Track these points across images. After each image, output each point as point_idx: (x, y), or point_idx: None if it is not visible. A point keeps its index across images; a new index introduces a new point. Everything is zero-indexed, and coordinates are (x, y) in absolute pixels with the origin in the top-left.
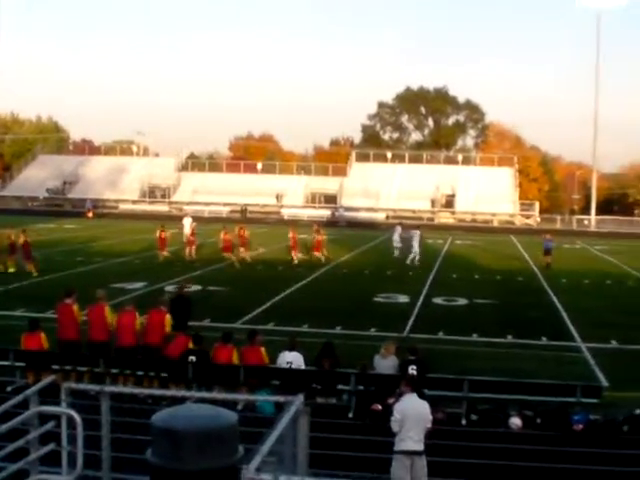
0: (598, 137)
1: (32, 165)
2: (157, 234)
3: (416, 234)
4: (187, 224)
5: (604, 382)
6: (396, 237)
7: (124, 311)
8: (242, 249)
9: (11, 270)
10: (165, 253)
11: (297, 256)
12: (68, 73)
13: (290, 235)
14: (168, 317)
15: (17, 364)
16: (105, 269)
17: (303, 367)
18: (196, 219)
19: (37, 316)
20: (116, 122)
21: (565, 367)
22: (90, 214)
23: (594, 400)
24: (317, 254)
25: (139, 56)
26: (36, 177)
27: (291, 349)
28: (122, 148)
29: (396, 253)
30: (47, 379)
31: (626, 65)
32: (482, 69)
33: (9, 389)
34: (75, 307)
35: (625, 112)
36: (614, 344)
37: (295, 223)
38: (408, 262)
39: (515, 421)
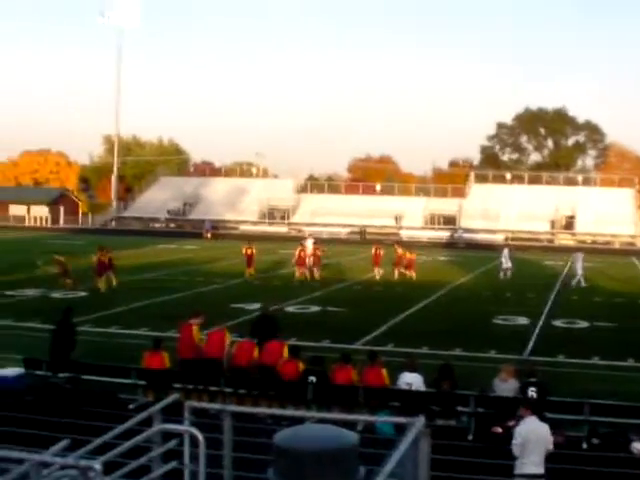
0: None
1: (153, 187)
2: (243, 251)
3: (579, 256)
4: (309, 245)
5: None
6: (503, 259)
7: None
8: (315, 268)
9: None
10: (251, 271)
11: (379, 272)
12: (189, 96)
13: (373, 252)
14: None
15: (139, 382)
16: (225, 290)
17: (423, 389)
18: (316, 240)
19: (159, 335)
20: (236, 144)
21: None
22: (209, 235)
23: None
24: (409, 272)
25: (259, 78)
26: (157, 198)
27: (411, 370)
28: (242, 170)
29: (501, 275)
30: (170, 397)
31: None
32: (602, 89)
33: (131, 407)
34: (195, 328)
35: None
36: None
37: (379, 241)
38: (573, 285)
39: (637, 446)
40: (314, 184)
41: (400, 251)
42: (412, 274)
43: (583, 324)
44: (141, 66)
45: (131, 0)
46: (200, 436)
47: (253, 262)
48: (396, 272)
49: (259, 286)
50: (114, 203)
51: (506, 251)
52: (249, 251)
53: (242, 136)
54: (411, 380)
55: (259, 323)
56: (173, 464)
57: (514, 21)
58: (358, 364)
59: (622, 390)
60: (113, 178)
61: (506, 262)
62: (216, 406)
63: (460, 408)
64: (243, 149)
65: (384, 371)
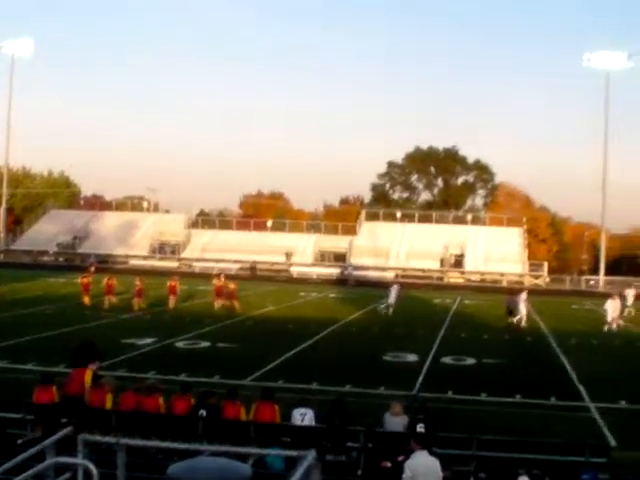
0: (607, 198)
1: (43, 219)
2: (168, 284)
3: (522, 296)
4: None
5: (613, 441)
6: (391, 294)
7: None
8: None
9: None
10: (141, 304)
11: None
12: (79, 129)
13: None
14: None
15: (28, 417)
16: (116, 324)
17: (314, 424)
18: (205, 276)
19: (49, 369)
20: (127, 178)
21: (574, 426)
22: (92, 268)
23: (602, 460)
24: (229, 302)
25: (150, 113)
26: (47, 231)
27: (303, 406)
28: (133, 204)
29: (383, 310)
30: (64, 430)
31: (635, 126)
32: (491, 130)
33: (20, 441)
34: (89, 373)
35: (636, 172)
36: (623, 404)
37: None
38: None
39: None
40: (205, 219)
41: (219, 282)
42: (235, 304)
43: (471, 361)
44: (33, 97)
45: (25, 29)
46: (94, 469)
47: (143, 295)
48: (216, 303)
49: (149, 320)
50: (2, 235)
51: (395, 287)
52: (173, 283)
53: (134, 170)
54: (303, 415)
55: (77, 351)
56: None
57: (406, 64)
58: (250, 400)
59: (510, 426)
60: (1, 210)
61: (391, 298)
62: (110, 440)
63: (350, 443)
64: (135, 183)
65: (276, 407)
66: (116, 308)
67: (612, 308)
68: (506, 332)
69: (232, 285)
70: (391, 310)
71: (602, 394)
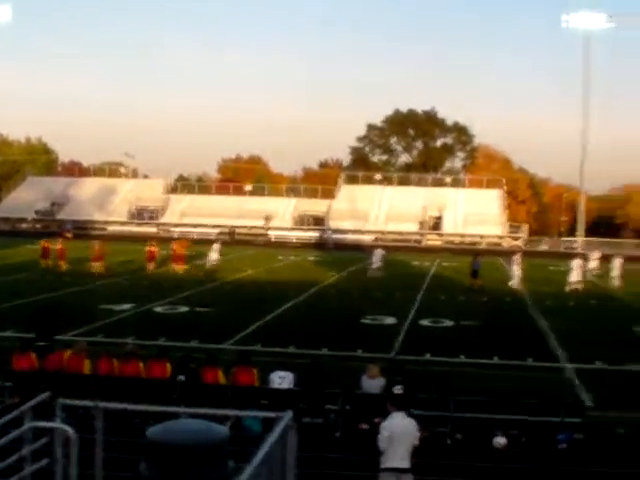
0: (587, 159)
1: (21, 187)
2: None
3: (515, 258)
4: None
5: (588, 402)
6: (375, 258)
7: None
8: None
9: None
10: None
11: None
12: (57, 94)
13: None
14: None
15: (6, 384)
16: (93, 290)
17: (292, 387)
18: (184, 241)
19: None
20: (105, 144)
21: (550, 387)
22: (69, 235)
23: (578, 419)
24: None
25: (128, 77)
26: (25, 199)
27: (281, 369)
28: (111, 170)
29: (371, 273)
30: (42, 395)
31: (615, 86)
32: (470, 92)
33: None
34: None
35: (614, 134)
36: (598, 364)
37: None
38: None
39: (500, 440)
40: (184, 184)
41: (178, 246)
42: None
43: (449, 323)
44: (10, 64)
45: None
46: (72, 433)
47: (102, 259)
48: (176, 268)
49: (127, 286)
50: None
51: (379, 251)
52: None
53: (112, 136)
54: (282, 378)
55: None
56: (44, 462)
57: (385, 26)
58: (229, 364)
59: (487, 387)
60: None
61: (377, 262)
62: (88, 403)
63: (328, 406)
64: (113, 149)
65: (255, 371)
66: (91, 274)
67: (577, 269)
68: (469, 293)
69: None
70: (380, 273)
71: (578, 355)
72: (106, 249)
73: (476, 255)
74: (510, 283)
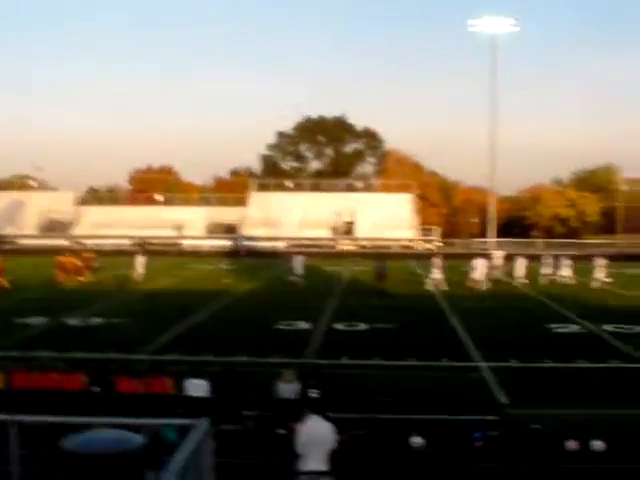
0: (496, 161)
1: None
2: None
3: (435, 261)
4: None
5: (504, 399)
6: (294, 265)
7: None
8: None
9: None
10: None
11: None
12: None
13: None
14: None
15: None
16: (7, 304)
17: (208, 395)
18: (96, 253)
19: None
20: (13, 157)
21: (466, 386)
22: None
23: (494, 417)
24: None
25: (35, 89)
26: None
27: (196, 377)
28: (20, 183)
29: (293, 279)
30: None
31: (522, 89)
32: (380, 98)
33: None
34: None
35: (522, 136)
36: (513, 362)
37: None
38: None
39: (417, 440)
40: (94, 196)
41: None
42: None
43: (364, 326)
44: None
45: None
46: None
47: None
48: (62, 278)
49: (41, 299)
50: None
51: (299, 258)
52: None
53: (20, 149)
54: (196, 387)
55: None
56: None
57: (291, 32)
58: (143, 373)
59: (404, 389)
60: None
61: (297, 269)
62: (3, 416)
63: (244, 412)
64: (21, 162)
65: (169, 380)
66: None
67: (480, 267)
68: (383, 297)
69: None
70: (301, 280)
71: (493, 354)
72: (3, 263)
73: (379, 259)
74: (427, 284)
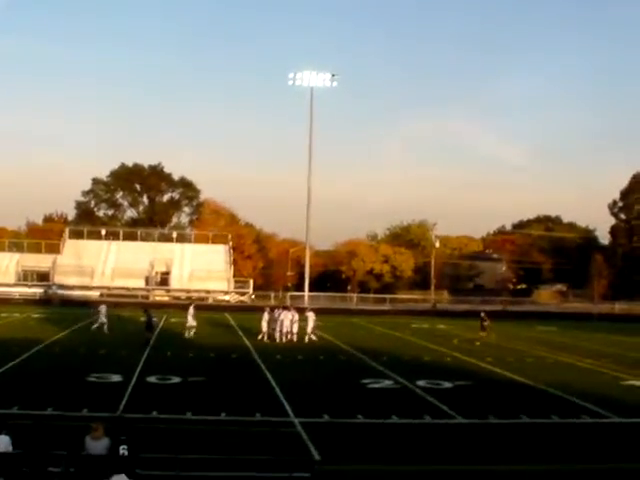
0: (312, 214)
1: None
2: None
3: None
4: None
5: (316, 456)
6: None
7: None
8: None
9: None
10: None
11: None
12: None
13: None
14: None
15: None
16: None
17: (10, 450)
18: None
19: None
20: None
21: (279, 442)
22: None
23: (306, 474)
24: None
25: None
26: None
27: None
28: None
29: (187, 334)
30: None
31: (338, 144)
32: (198, 148)
33: None
34: None
35: (341, 189)
36: (326, 418)
37: None
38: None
39: None
40: None
41: None
42: None
43: (176, 380)
44: None
45: None
46: None
47: None
48: None
49: None
50: None
51: (103, 307)
52: None
53: None
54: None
55: None
56: None
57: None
58: None
59: (215, 444)
60: None
61: (102, 317)
62: None
63: (51, 469)
64: None
65: None
66: None
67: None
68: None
69: None
70: (106, 327)
71: (306, 408)
72: None
73: (146, 310)
74: (187, 333)
